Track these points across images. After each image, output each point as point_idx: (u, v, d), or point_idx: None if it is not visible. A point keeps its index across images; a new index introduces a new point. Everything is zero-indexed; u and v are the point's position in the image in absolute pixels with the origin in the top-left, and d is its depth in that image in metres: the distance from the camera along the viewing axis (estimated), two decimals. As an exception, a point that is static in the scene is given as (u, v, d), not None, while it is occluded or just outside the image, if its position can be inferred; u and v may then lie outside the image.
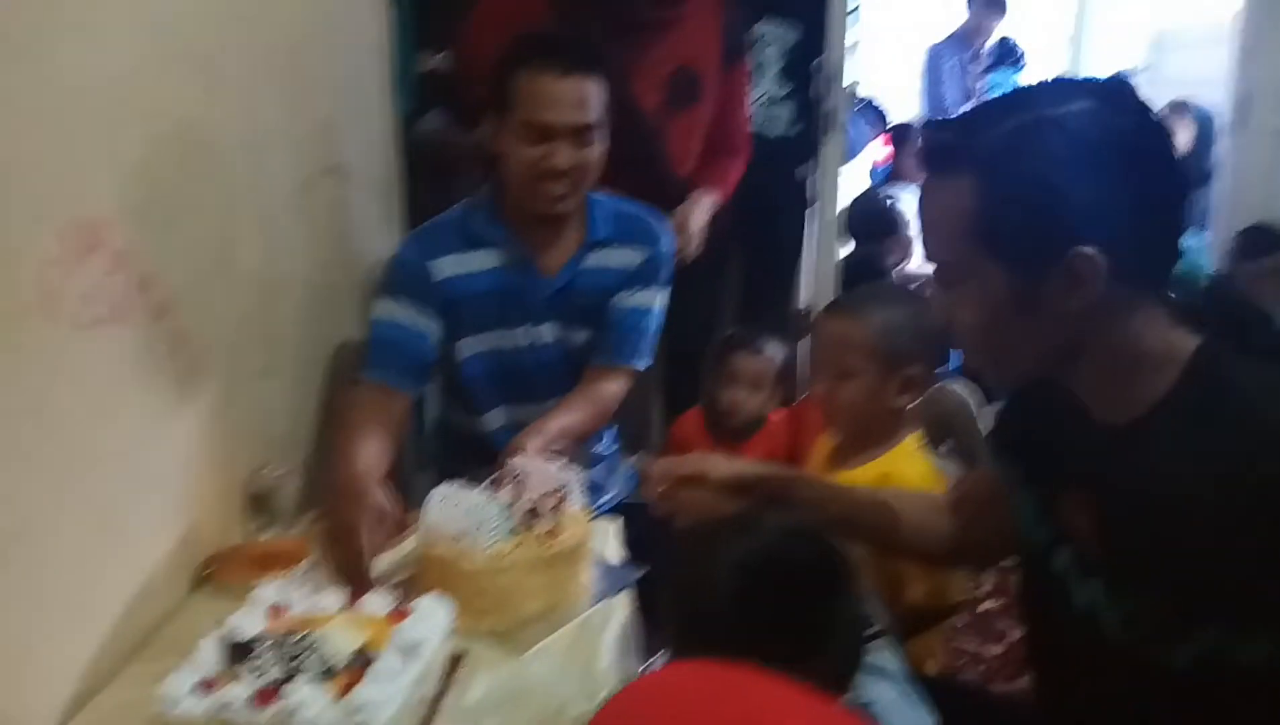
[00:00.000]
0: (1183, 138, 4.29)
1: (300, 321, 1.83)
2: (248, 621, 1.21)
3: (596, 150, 1.76)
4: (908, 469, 1.57)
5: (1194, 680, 0.95)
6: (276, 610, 1.26)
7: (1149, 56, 5.81)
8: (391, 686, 1.10)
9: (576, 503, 1.48)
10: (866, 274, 3.21)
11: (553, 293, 1.86)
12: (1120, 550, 0.99)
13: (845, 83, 2.89)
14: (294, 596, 1.29)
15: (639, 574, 1.54)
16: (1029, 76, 4.90)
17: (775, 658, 0.87)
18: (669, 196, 2.27)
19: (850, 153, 3.31)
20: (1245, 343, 0.96)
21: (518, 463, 1.52)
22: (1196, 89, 4.55)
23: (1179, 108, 4.43)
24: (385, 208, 2.22)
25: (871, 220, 3.60)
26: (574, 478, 1.50)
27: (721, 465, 1.30)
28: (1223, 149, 3.88)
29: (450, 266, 1.82)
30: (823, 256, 3.04)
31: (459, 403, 1.95)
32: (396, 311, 1.78)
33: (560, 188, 1.76)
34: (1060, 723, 1.15)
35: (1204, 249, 3.78)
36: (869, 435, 1.62)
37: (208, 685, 1.10)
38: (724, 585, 0.99)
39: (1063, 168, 0.92)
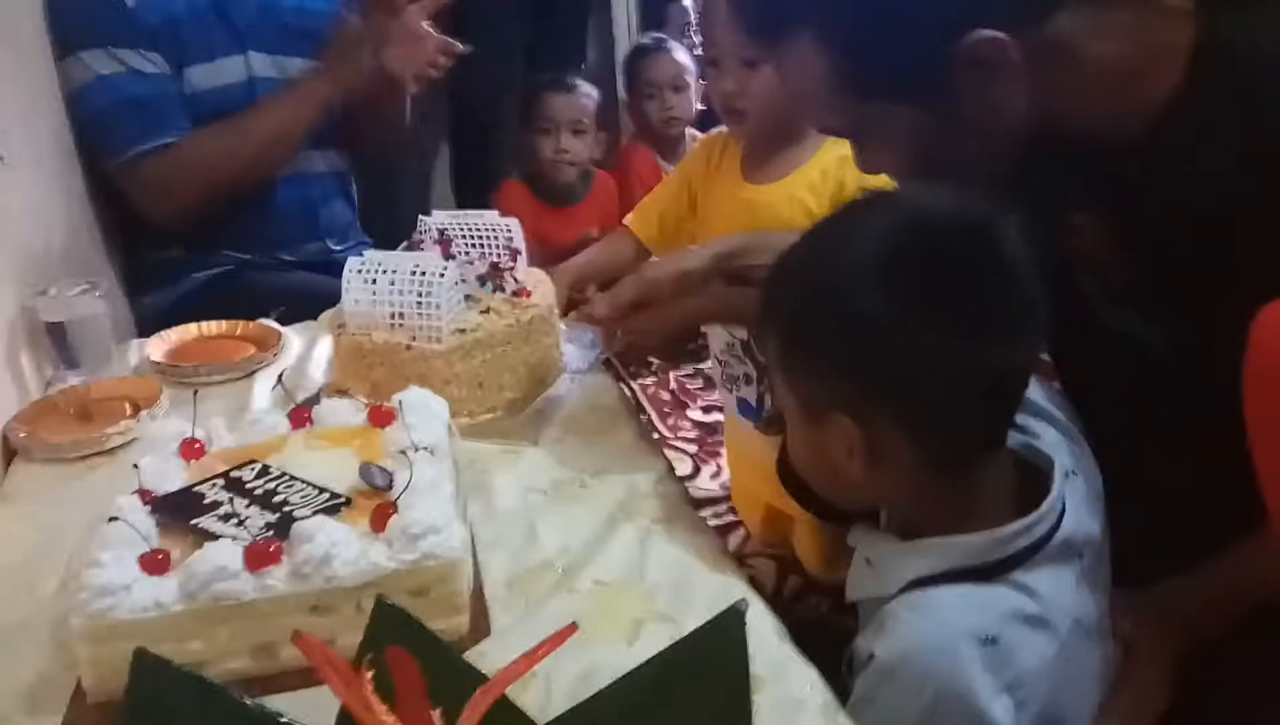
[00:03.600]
0: None
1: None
2: (158, 471, 0.80)
3: None
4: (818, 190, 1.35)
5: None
6: (191, 448, 0.85)
7: None
8: (443, 502, 0.75)
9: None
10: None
11: (255, 10, 1.61)
12: (1155, 276, 0.83)
13: None
14: (204, 431, 0.88)
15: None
16: None
17: (944, 343, 0.66)
18: None
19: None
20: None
21: (437, 217, 1.15)
22: None
23: None
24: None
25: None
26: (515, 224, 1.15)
27: (662, 272, 1.01)
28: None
29: None
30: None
31: None
32: (113, 64, 1.51)
33: None
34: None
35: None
36: (782, 136, 1.36)
37: (155, 561, 0.70)
38: (868, 275, 0.69)
39: None
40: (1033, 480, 0.74)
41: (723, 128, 1.42)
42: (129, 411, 1.07)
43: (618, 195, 2.48)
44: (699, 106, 2.61)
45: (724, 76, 1.27)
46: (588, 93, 2.35)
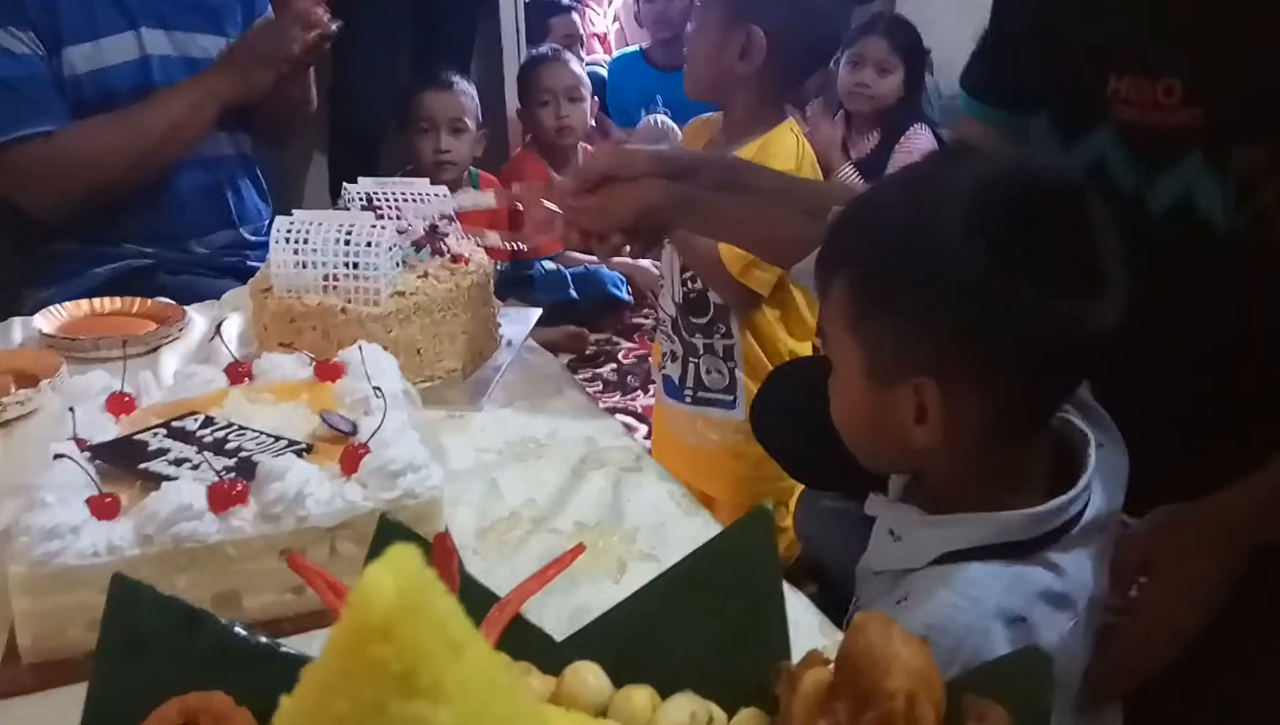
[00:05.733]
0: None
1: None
2: (90, 424, 0.73)
3: None
4: (780, 145, 1.38)
5: None
6: (120, 403, 0.78)
7: None
8: (415, 444, 0.71)
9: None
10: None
11: None
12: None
13: None
14: (133, 387, 0.81)
15: (539, 311, 1.23)
16: None
17: (1041, 303, 0.63)
18: None
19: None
20: None
21: (364, 183, 1.11)
22: None
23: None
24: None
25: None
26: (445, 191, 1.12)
27: (636, 156, 0.97)
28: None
29: None
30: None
31: None
32: None
33: None
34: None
35: None
36: (743, 115, 1.39)
37: (103, 504, 0.63)
38: (948, 226, 0.65)
39: None
40: (1067, 453, 0.72)
41: (700, 116, 1.44)
42: (15, 387, 0.97)
43: (505, 201, 2.46)
44: (591, 122, 2.63)
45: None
46: (465, 90, 2.32)
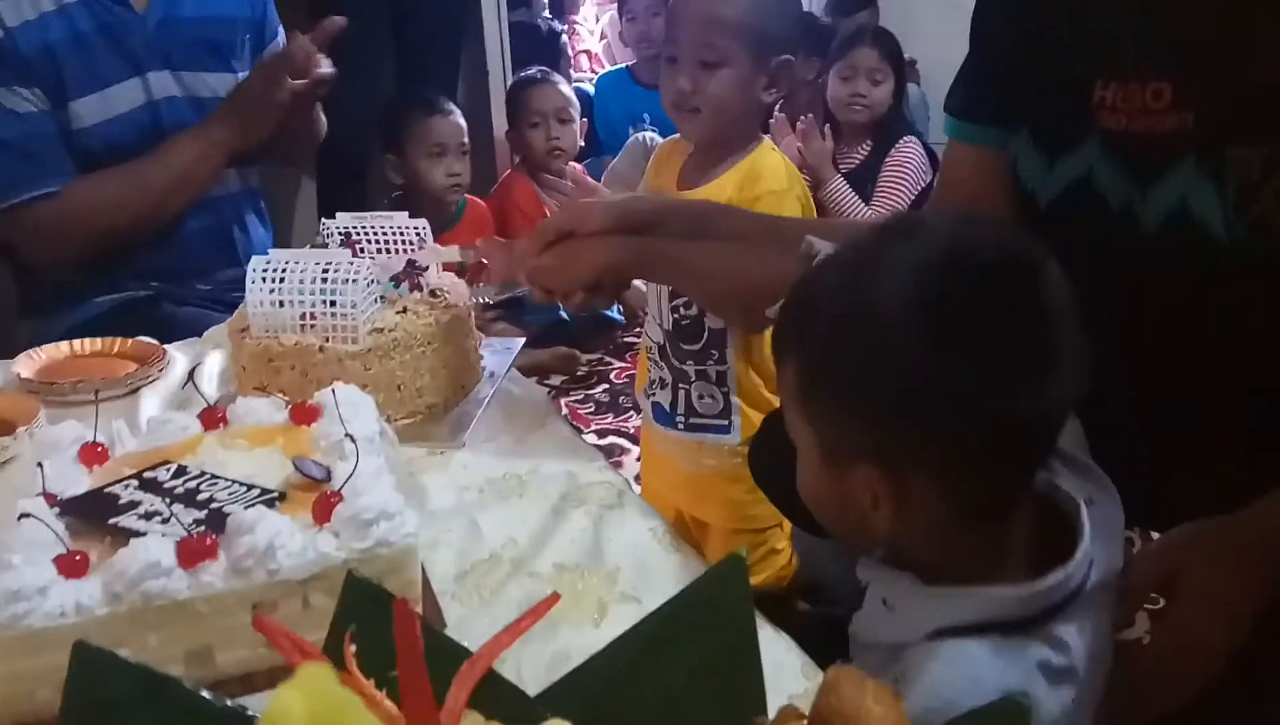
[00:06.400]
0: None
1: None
2: (59, 475, 0.72)
3: None
4: (767, 164, 1.38)
5: None
6: (93, 453, 0.77)
7: None
8: (390, 490, 0.71)
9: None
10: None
11: (153, 28, 1.48)
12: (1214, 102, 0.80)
13: None
14: (106, 436, 0.80)
15: (523, 342, 1.22)
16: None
17: (988, 391, 0.61)
18: None
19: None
20: None
21: (341, 219, 1.10)
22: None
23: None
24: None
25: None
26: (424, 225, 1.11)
27: (594, 212, 0.96)
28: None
29: (13, 11, 1.37)
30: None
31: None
32: None
33: None
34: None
35: None
36: (731, 140, 1.39)
37: (73, 562, 0.62)
38: (890, 312, 0.62)
39: None
40: (1056, 517, 0.69)
41: (674, 136, 1.44)
42: (-2, 432, 0.97)
43: (494, 224, 2.47)
44: (580, 142, 2.63)
45: (680, 75, 1.29)
46: (457, 117, 2.35)
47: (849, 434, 0.65)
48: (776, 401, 1.22)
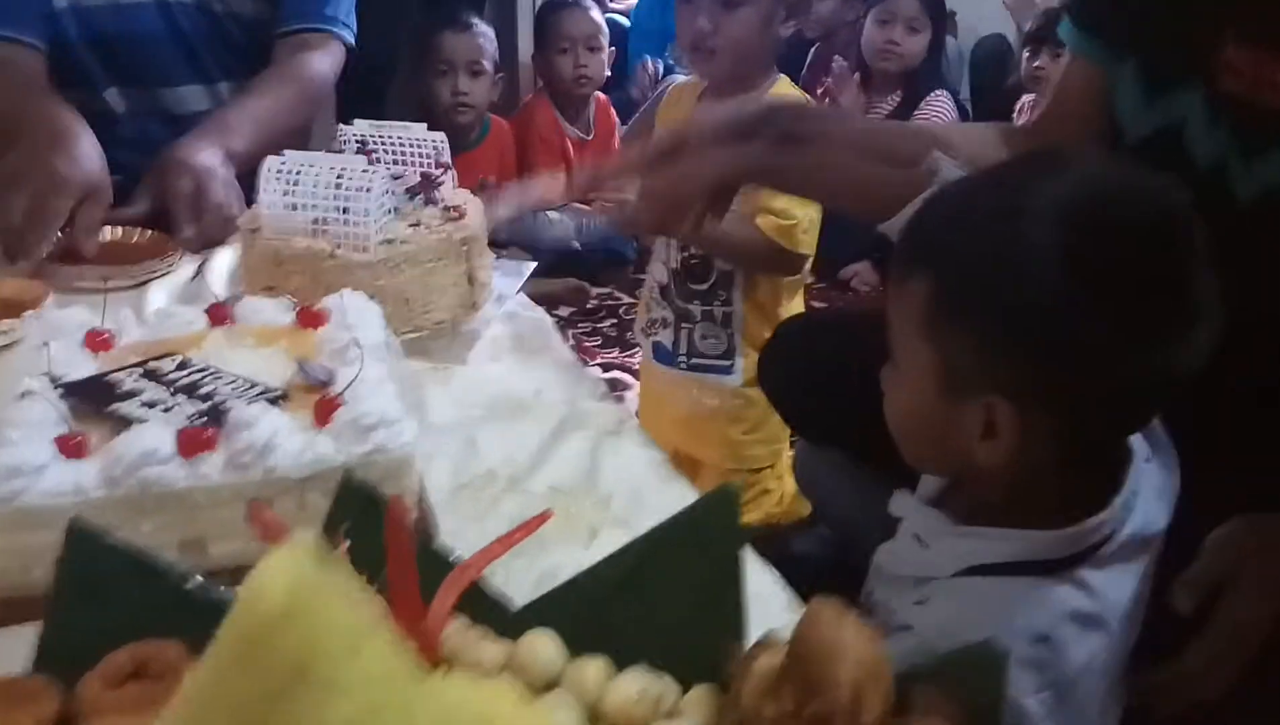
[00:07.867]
0: None
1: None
2: (66, 360, 0.73)
3: None
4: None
5: None
6: (97, 340, 0.77)
7: None
8: (391, 398, 0.71)
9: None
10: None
11: None
12: None
13: None
14: (113, 323, 0.80)
15: (534, 265, 1.21)
16: None
17: (1135, 343, 0.61)
18: None
19: None
20: None
21: (359, 125, 1.09)
22: None
23: None
24: None
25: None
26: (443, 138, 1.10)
27: (705, 122, 0.93)
28: None
29: None
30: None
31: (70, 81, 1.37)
32: None
33: None
34: None
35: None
36: (745, 78, 1.37)
37: (71, 444, 0.63)
38: (1041, 252, 0.62)
39: None
40: (1113, 466, 0.69)
41: (677, 77, 1.42)
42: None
43: (515, 145, 2.44)
44: (608, 73, 2.59)
45: (699, 14, 1.26)
46: (484, 32, 2.29)
47: (982, 365, 0.64)
48: None
